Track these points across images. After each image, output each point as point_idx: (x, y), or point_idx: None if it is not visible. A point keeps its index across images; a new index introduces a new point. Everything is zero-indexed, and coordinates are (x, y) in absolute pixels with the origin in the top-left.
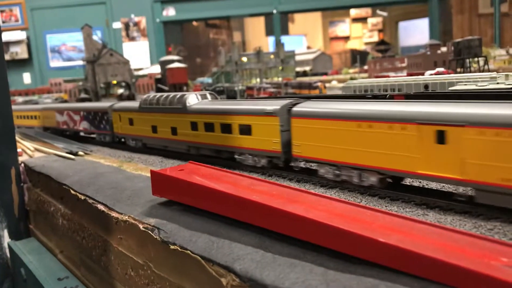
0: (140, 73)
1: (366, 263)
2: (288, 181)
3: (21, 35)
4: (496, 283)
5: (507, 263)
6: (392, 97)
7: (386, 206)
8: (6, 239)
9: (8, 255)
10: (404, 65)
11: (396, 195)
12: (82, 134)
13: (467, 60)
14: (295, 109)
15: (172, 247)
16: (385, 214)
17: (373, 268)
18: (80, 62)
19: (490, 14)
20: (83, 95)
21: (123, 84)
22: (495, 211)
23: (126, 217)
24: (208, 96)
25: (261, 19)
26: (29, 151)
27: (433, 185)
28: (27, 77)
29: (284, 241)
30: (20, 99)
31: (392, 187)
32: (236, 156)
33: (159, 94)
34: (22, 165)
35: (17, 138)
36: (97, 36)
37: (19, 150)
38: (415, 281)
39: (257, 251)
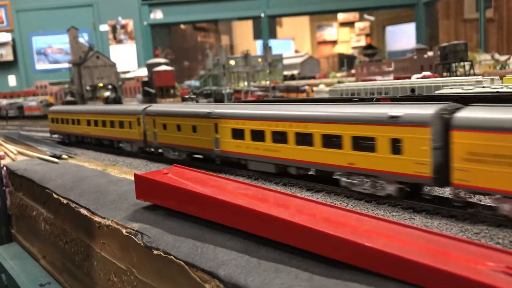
0: (127, 76)
1: (352, 268)
2: (274, 184)
3: (6, 37)
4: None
5: (494, 268)
6: (378, 101)
7: (372, 210)
8: None
9: None
10: (391, 69)
11: (382, 199)
12: None
13: (453, 65)
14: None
15: (155, 252)
16: (371, 218)
17: (360, 273)
18: (66, 65)
19: (476, 19)
20: (69, 98)
21: (110, 87)
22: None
23: (109, 221)
24: None
25: (249, 23)
26: (11, 154)
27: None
28: (12, 80)
29: (269, 246)
30: (4, 101)
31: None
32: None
33: None
34: (4, 168)
35: None
36: (83, 39)
37: (1, 153)
38: (402, 286)
39: (242, 256)
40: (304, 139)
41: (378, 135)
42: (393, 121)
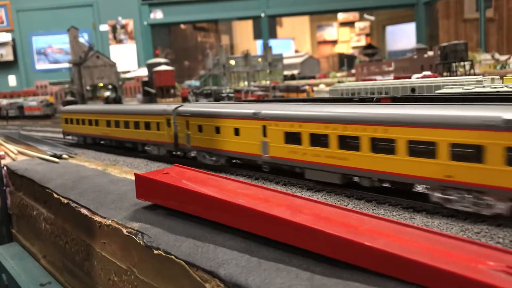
0: (127, 75)
1: (353, 268)
2: (274, 184)
3: (6, 37)
4: (483, 287)
5: (494, 267)
6: (378, 100)
7: (373, 210)
8: None
9: None
10: (391, 69)
11: (383, 198)
12: None
13: (453, 64)
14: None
15: (156, 252)
16: (372, 218)
17: (360, 273)
18: (66, 65)
19: (476, 19)
20: (69, 98)
21: (110, 86)
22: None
23: (110, 221)
24: None
25: (249, 23)
26: (12, 154)
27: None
28: (12, 80)
29: (270, 245)
30: (4, 101)
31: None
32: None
33: None
34: (5, 168)
35: None
36: (83, 39)
37: (1, 153)
38: (402, 285)
39: (242, 256)
40: (383, 145)
41: (488, 142)
42: (510, 126)
